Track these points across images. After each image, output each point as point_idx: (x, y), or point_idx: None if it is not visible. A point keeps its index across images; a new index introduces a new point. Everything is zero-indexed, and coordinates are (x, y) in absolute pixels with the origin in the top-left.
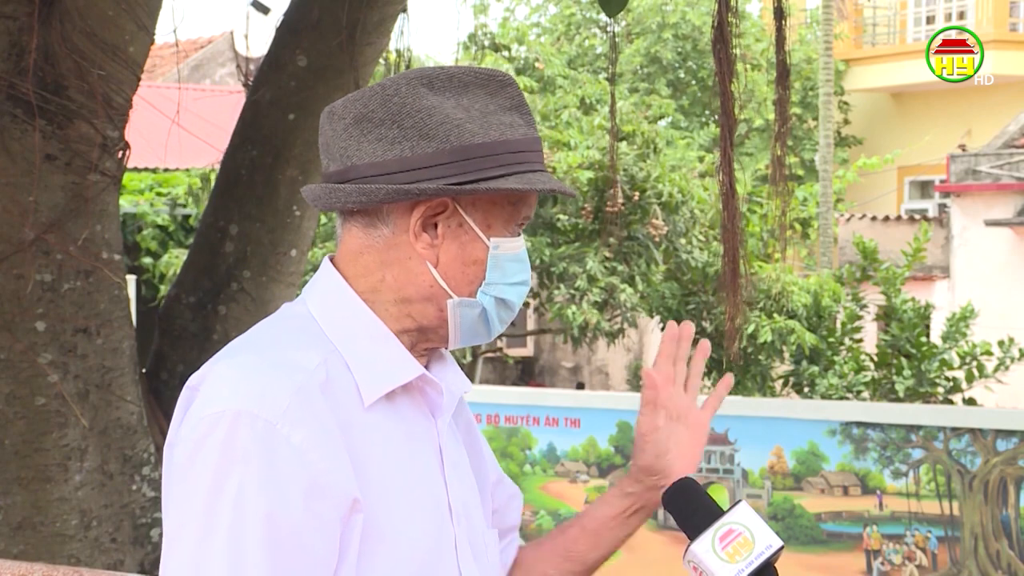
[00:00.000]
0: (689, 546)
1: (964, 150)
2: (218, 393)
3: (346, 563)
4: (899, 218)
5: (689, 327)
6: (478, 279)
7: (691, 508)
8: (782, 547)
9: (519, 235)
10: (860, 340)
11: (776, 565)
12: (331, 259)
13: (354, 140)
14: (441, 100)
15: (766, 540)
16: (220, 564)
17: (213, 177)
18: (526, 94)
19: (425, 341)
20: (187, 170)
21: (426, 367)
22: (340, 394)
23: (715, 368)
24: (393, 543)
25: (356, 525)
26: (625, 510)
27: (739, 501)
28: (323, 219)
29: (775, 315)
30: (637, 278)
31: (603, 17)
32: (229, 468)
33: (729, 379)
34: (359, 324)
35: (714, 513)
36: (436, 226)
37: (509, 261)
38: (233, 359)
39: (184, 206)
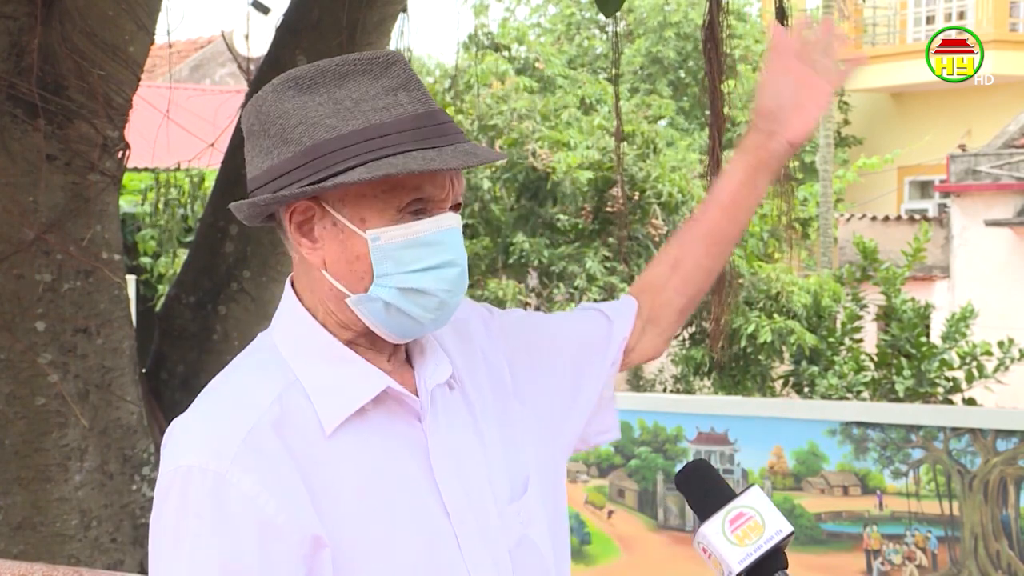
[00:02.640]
0: (699, 528)
1: (964, 150)
2: (175, 449)
3: None
4: (899, 218)
5: (836, 27)
6: (368, 274)
7: (704, 489)
8: (792, 533)
9: (421, 219)
10: (860, 340)
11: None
12: (290, 279)
13: (248, 155)
14: (307, 99)
15: (776, 525)
16: None
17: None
18: (526, 94)
19: (379, 342)
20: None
21: (408, 360)
22: (299, 427)
23: (713, 368)
24: (371, 569)
25: (324, 560)
26: (750, 169)
27: (751, 485)
28: None
29: (775, 315)
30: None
31: (603, 17)
32: (184, 523)
33: (862, 59)
34: (314, 344)
35: (726, 496)
36: (313, 230)
37: (401, 249)
38: (192, 411)
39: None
